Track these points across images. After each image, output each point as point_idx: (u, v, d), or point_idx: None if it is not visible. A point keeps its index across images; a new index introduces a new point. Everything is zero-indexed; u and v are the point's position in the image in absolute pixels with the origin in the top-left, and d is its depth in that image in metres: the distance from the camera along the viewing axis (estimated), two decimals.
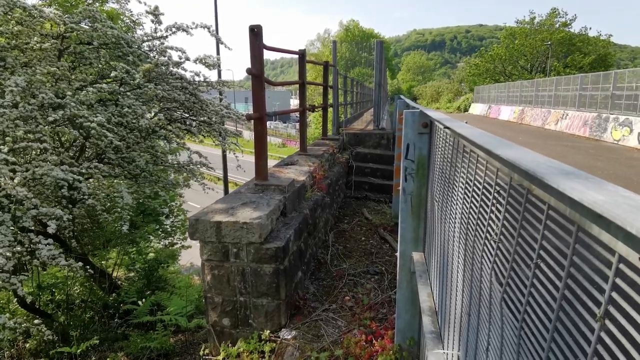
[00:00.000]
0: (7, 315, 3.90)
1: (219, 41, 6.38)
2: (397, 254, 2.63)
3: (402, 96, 8.24)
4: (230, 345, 3.35)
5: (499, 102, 30.79)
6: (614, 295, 0.60)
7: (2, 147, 3.95)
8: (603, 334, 0.61)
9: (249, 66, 3.70)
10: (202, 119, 5.93)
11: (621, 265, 0.58)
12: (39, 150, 4.51)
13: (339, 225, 5.86)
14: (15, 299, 5.55)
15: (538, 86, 23.89)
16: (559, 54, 37.67)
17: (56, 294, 6.21)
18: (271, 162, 5.15)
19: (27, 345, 5.49)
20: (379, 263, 4.63)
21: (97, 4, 9.44)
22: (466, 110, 40.81)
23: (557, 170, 0.68)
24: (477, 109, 36.37)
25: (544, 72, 36.74)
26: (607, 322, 0.61)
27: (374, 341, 2.93)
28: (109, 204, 6.15)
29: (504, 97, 29.61)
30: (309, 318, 3.46)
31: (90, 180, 5.61)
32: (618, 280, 0.59)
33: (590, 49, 36.78)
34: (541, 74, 36.74)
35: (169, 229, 8.93)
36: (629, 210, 0.49)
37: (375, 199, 7.18)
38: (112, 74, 5.24)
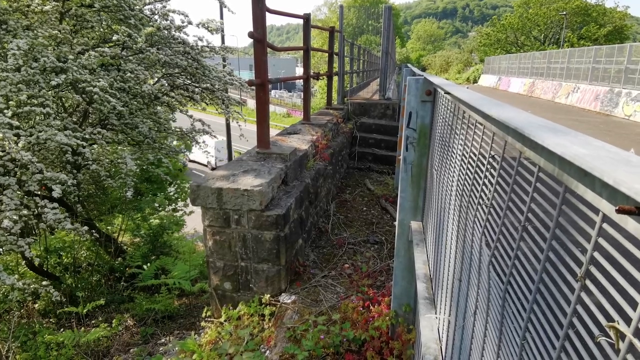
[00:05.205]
0: (16, 276, 4.02)
1: (222, 4, 6.23)
2: (396, 222, 2.64)
3: (409, 65, 8.06)
4: (231, 308, 3.43)
5: (509, 73, 30.08)
6: (596, 255, 0.59)
7: (5, 111, 3.94)
8: (583, 294, 0.61)
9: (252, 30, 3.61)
10: (204, 85, 5.86)
11: (605, 225, 0.58)
12: (42, 115, 4.50)
13: (341, 195, 5.88)
14: (24, 262, 5.69)
15: (550, 58, 23.24)
16: (574, 25, 36.45)
17: (63, 257, 6.36)
18: (275, 132, 5.12)
19: (37, 305, 5.67)
20: (379, 233, 4.67)
21: None
22: (475, 81, 39.98)
23: (547, 128, 0.66)
24: (486, 80, 35.62)
25: (557, 44, 35.68)
26: (587, 282, 0.61)
27: (370, 307, 2.99)
28: (113, 170, 6.19)
29: (515, 69, 28.90)
30: (308, 284, 3.52)
31: (95, 146, 5.62)
32: (601, 240, 0.59)
33: (606, 20, 35.51)
34: (554, 46, 35.69)
35: (173, 196, 9.02)
36: (610, 163, 0.48)
37: (379, 170, 7.17)
38: (114, 38, 5.16)
